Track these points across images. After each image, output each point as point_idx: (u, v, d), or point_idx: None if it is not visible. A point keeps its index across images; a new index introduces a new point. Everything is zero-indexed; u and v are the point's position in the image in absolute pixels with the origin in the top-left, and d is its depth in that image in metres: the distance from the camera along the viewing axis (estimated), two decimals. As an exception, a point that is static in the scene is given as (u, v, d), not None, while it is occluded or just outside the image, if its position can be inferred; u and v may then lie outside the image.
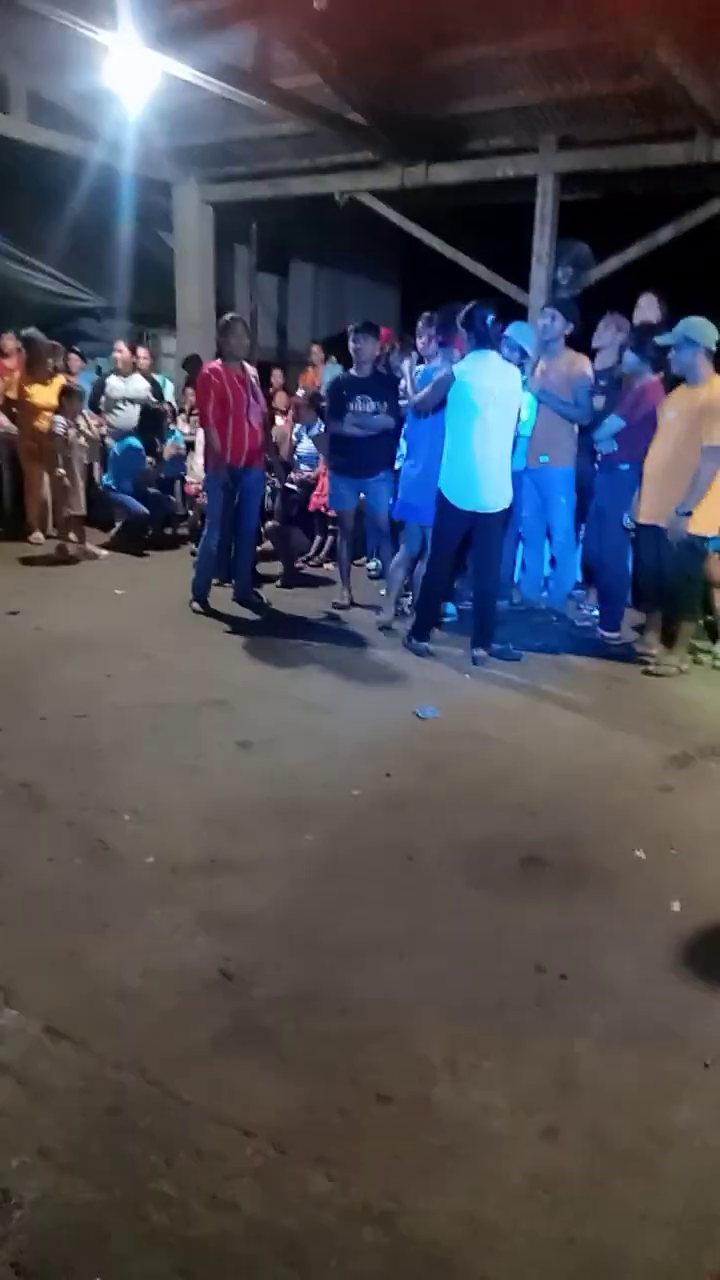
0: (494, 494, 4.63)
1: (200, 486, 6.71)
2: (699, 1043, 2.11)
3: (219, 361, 5.54)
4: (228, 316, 5.78)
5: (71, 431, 6.71)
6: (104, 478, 7.47)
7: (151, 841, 2.88)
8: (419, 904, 2.64)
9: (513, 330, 5.42)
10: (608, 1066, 2.04)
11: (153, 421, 7.57)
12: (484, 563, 4.85)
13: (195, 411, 6.69)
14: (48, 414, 6.87)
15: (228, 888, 2.66)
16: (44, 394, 7.08)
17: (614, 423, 4.85)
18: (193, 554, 6.07)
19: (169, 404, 8.29)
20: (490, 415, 4.54)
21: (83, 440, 6.89)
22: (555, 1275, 1.58)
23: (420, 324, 5.68)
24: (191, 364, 8.32)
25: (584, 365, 5.35)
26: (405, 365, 5.50)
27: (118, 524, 7.31)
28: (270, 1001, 2.20)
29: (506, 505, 4.72)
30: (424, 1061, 2.03)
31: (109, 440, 7.66)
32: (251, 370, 5.67)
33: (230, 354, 5.50)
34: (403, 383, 5.45)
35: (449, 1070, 2.01)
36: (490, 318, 4.56)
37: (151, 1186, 1.69)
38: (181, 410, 8.34)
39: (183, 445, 7.86)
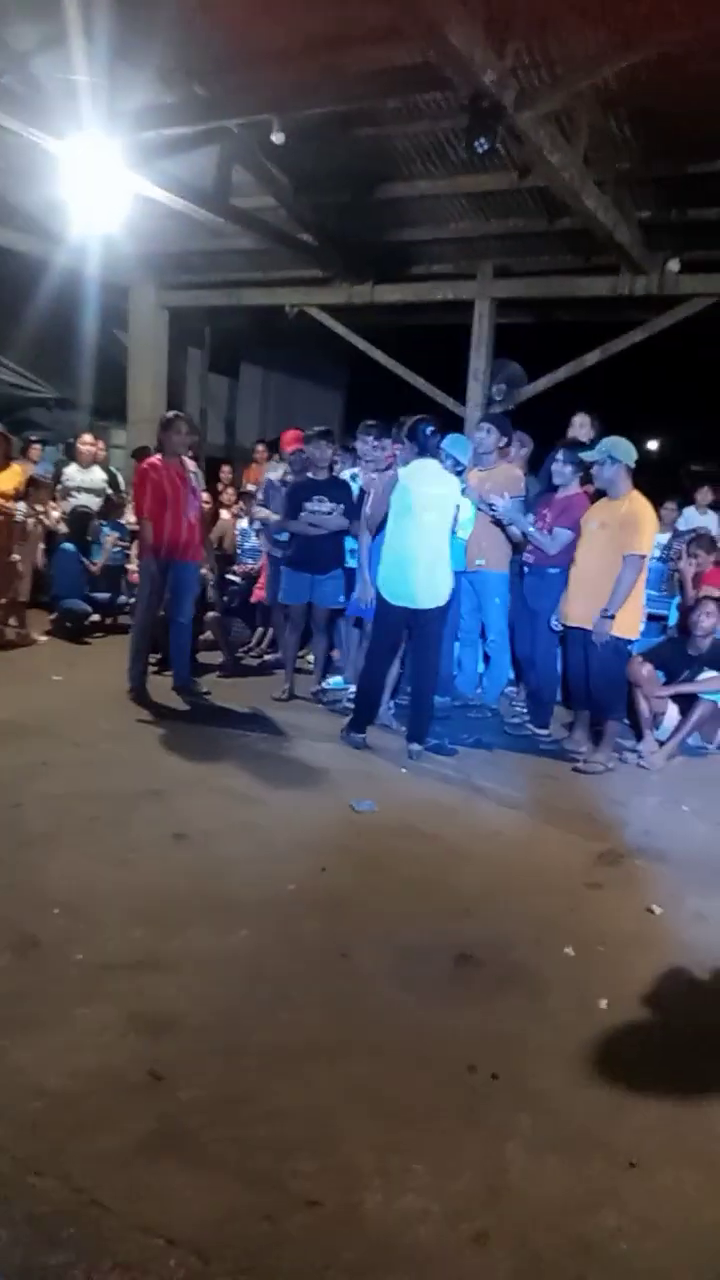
0: (426, 592, 4.79)
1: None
2: (622, 1146, 2.13)
3: (159, 456, 5.64)
4: (170, 414, 5.93)
5: (30, 520, 6.78)
6: (52, 589, 7.44)
7: (81, 937, 2.83)
8: (351, 1005, 2.64)
9: (448, 443, 5.72)
10: (536, 1172, 2.04)
11: (82, 525, 7.61)
12: (421, 659, 4.98)
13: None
14: (-1, 501, 6.93)
15: (157, 987, 2.62)
16: (-8, 482, 7.13)
17: (564, 534, 5.09)
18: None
19: (120, 495, 8.38)
20: (426, 518, 4.76)
21: (40, 529, 6.95)
22: None
23: (359, 430, 5.98)
24: (141, 454, 8.46)
25: (516, 475, 5.66)
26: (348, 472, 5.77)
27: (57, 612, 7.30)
28: (197, 1105, 2.16)
29: (440, 604, 4.87)
30: (353, 1167, 2.01)
31: (62, 527, 7.70)
32: (192, 466, 5.79)
33: (171, 450, 5.62)
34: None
35: (379, 1176, 1.99)
36: (430, 429, 4.85)
37: (69, 1303, 1.64)
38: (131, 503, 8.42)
39: (125, 536, 7.95)
